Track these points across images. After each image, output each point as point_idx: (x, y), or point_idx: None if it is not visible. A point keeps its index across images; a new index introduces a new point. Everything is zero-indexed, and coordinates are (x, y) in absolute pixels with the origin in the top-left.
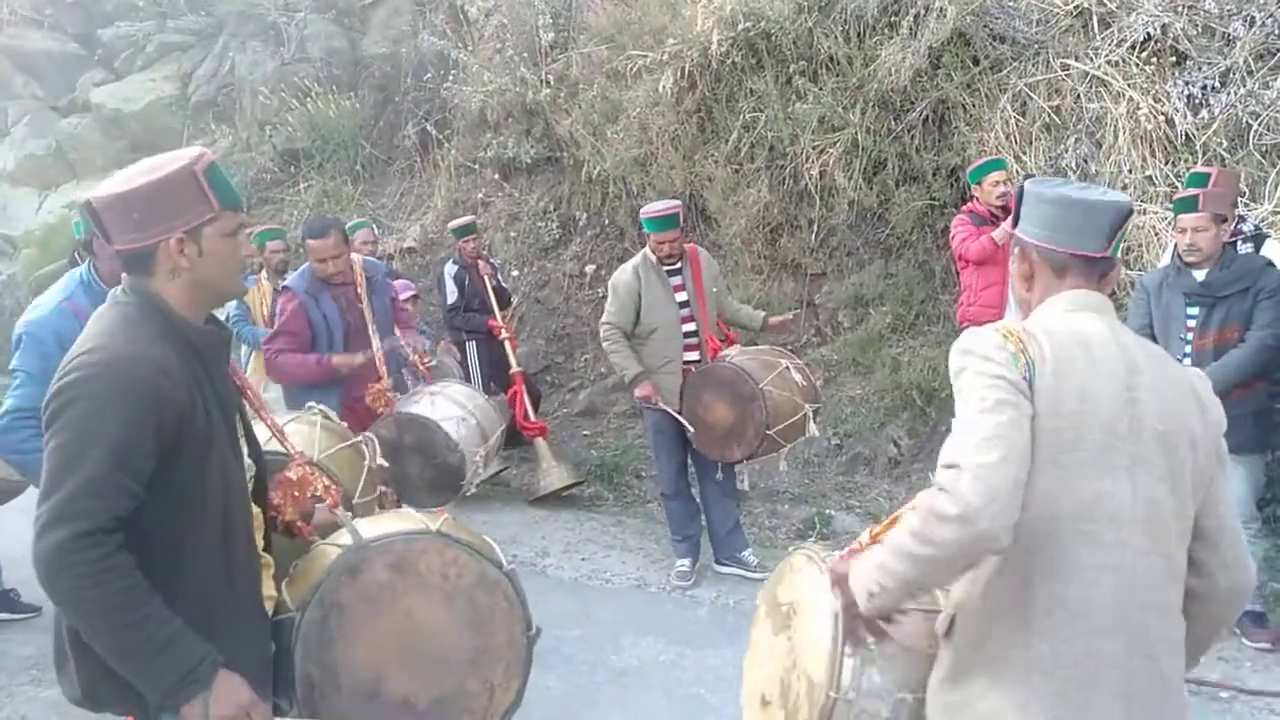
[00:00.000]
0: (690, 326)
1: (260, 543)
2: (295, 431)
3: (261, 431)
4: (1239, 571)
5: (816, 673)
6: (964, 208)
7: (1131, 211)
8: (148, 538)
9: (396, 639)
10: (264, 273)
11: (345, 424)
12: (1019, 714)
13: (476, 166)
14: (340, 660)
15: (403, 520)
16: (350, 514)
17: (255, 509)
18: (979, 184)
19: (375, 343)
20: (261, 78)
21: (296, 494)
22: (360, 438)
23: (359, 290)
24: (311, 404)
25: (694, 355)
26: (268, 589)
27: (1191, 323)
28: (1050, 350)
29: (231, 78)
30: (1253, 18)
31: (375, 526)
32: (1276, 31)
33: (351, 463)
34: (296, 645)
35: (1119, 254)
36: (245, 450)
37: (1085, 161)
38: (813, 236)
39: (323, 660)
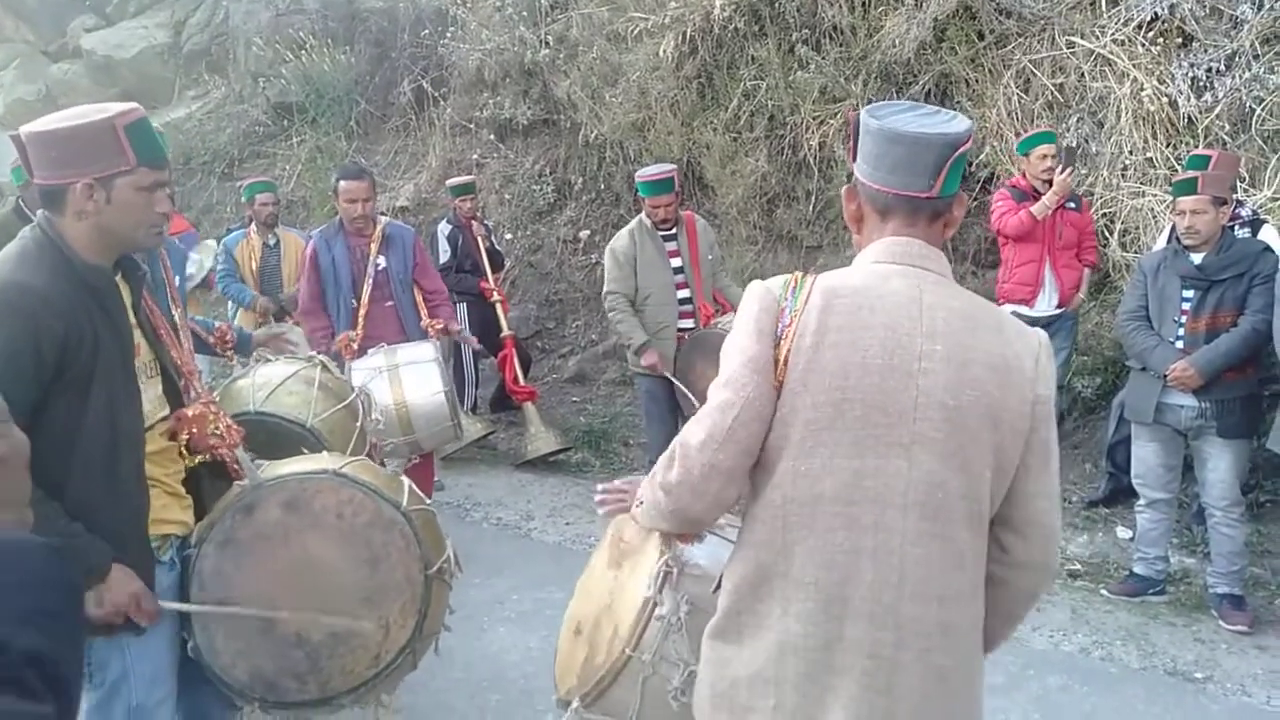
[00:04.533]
0: (685, 293)
1: (172, 481)
2: (293, 392)
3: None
4: (1042, 574)
5: (623, 624)
6: (1008, 182)
7: (964, 143)
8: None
9: (290, 575)
10: (253, 226)
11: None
12: (769, 688)
13: (472, 126)
14: (234, 595)
15: (308, 461)
16: (252, 455)
17: (164, 444)
18: (1026, 156)
19: (365, 296)
20: (256, 28)
21: (195, 430)
22: (354, 395)
23: (372, 245)
24: (314, 353)
25: (689, 323)
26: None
27: (1186, 305)
28: (819, 316)
29: (225, 27)
30: (1261, 1)
31: (277, 467)
32: None
33: (345, 425)
34: (192, 580)
35: (955, 192)
36: (160, 388)
37: (1087, 141)
38: (810, 208)
39: (217, 595)
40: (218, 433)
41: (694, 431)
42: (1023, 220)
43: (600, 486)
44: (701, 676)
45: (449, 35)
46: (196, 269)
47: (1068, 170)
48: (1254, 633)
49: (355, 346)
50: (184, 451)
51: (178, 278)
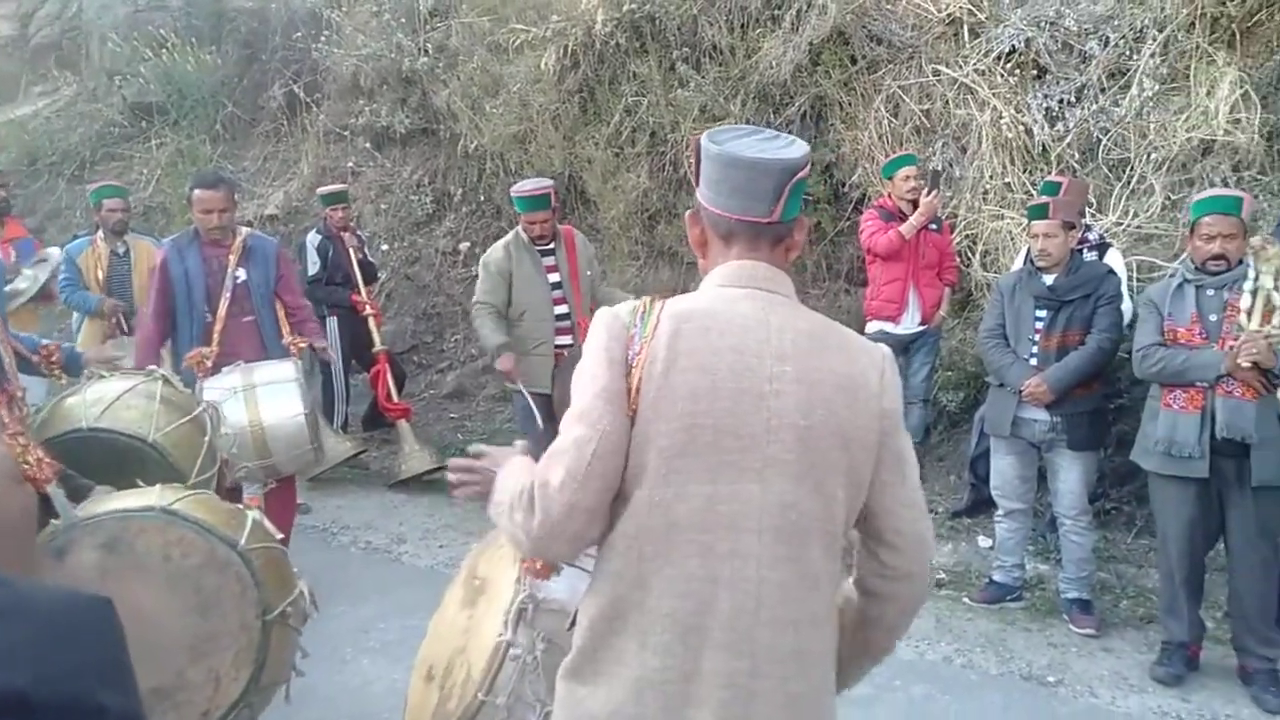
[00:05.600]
0: (563, 309)
1: None
2: (131, 406)
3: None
4: (920, 584)
5: (476, 667)
6: (875, 202)
7: (802, 168)
8: None
9: None
10: (100, 233)
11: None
12: None
13: (347, 134)
14: None
15: (134, 497)
16: (63, 490)
17: None
18: (890, 179)
19: (221, 310)
20: (111, 23)
21: None
22: (201, 409)
23: (231, 256)
24: (153, 367)
25: (567, 339)
26: None
27: (1039, 324)
28: (668, 342)
29: (78, 21)
30: (1107, 38)
31: (98, 504)
32: (1127, 52)
33: (191, 439)
34: None
35: (796, 216)
36: None
37: (951, 165)
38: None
39: None
40: (27, 466)
41: (552, 470)
42: (891, 239)
43: (452, 462)
44: (556, 718)
45: (323, 39)
46: (30, 283)
47: (933, 193)
48: (1101, 636)
49: (209, 363)
50: None
51: None
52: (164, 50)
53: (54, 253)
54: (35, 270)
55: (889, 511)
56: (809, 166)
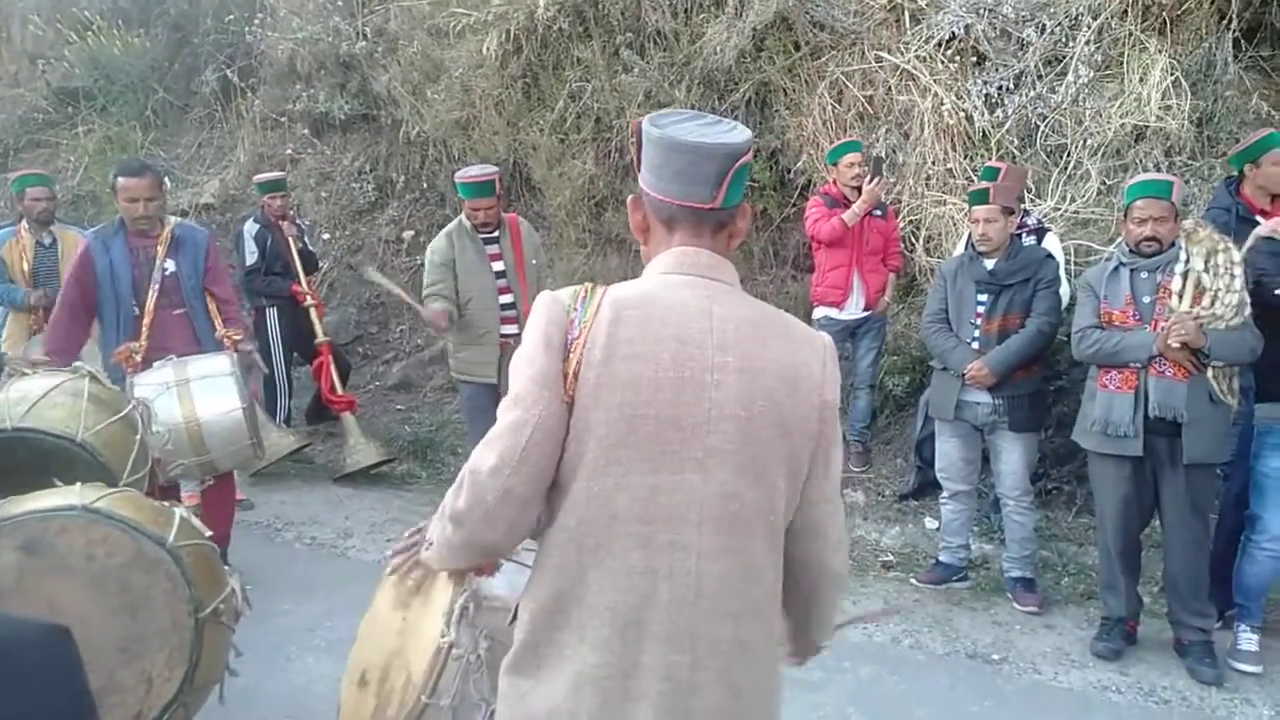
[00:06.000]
0: (508, 298)
1: None
2: (57, 404)
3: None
4: (835, 579)
5: (417, 669)
6: (820, 189)
7: (744, 154)
8: None
9: None
10: (24, 223)
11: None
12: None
13: (285, 120)
14: None
15: (55, 496)
16: None
17: None
18: (835, 165)
19: (150, 303)
20: (33, 4)
21: None
22: (131, 406)
23: (160, 247)
24: (79, 364)
25: (512, 329)
26: None
27: (981, 308)
28: (608, 328)
29: None
30: (1044, 25)
31: (15, 504)
32: (1063, 39)
33: (122, 438)
34: None
35: (738, 203)
36: None
37: (894, 151)
38: None
39: None
40: None
41: (484, 456)
42: (835, 226)
43: (388, 553)
44: (499, 714)
45: (257, 22)
46: None
47: (876, 179)
48: (1044, 613)
49: (139, 359)
50: None
51: None
52: (89, 33)
53: None
54: None
55: (813, 504)
56: (751, 152)
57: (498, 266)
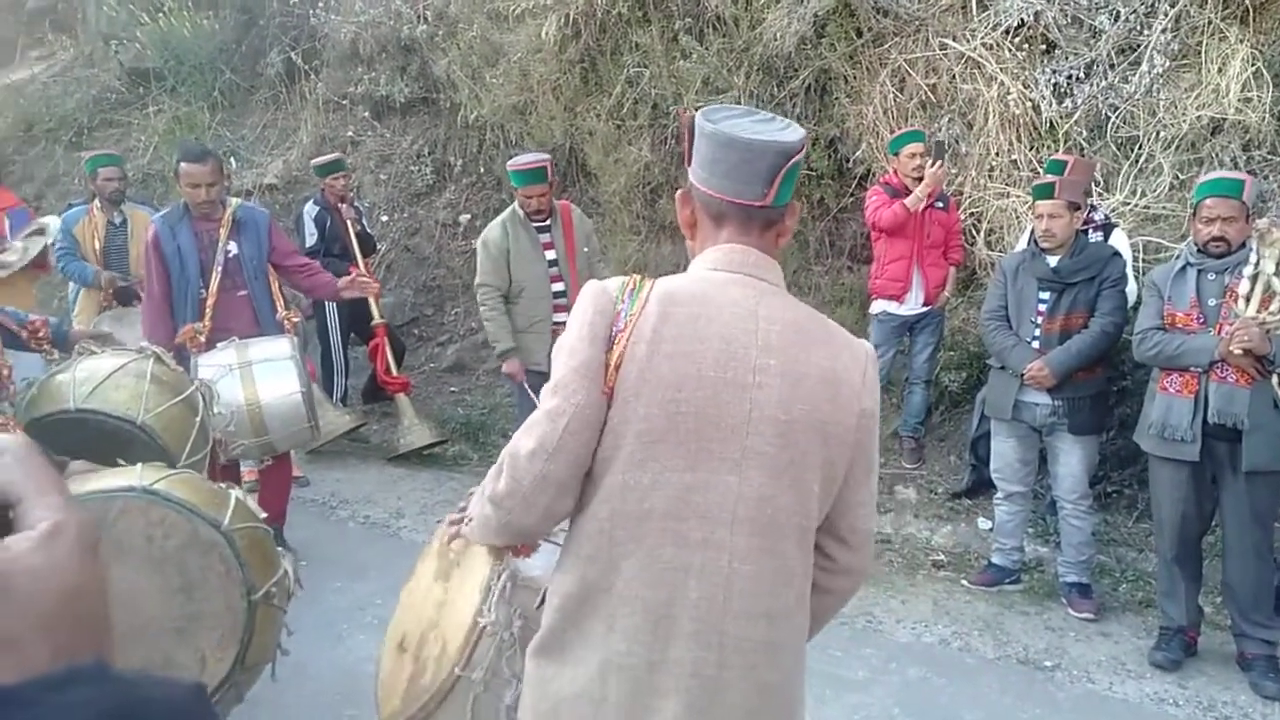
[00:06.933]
0: (559, 286)
1: None
2: (121, 386)
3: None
4: (859, 578)
5: (453, 642)
6: (881, 179)
7: (797, 152)
8: None
9: None
10: (96, 202)
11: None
12: (592, 708)
13: (346, 103)
14: None
15: (115, 477)
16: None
17: None
18: (896, 155)
19: (214, 285)
20: None
21: None
22: (194, 388)
23: (222, 230)
24: (144, 344)
25: (564, 316)
26: None
27: (1042, 307)
28: (655, 324)
29: None
30: (1118, 12)
31: (78, 484)
32: (1138, 27)
33: (182, 420)
34: None
35: (788, 202)
36: None
37: (957, 141)
38: None
39: None
40: None
41: (523, 441)
42: (897, 212)
43: (439, 523)
44: (524, 696)
45: (321, 5)
46: (18, 255)
47: (939, 163)
48: (1100, 620)
49: (202, 339)
50: None
51: None
52: (161, 15)
53: (51, 222)
54: (25, 242)
55: (850, 509)
56: (804, 151)
57: (550, 255)
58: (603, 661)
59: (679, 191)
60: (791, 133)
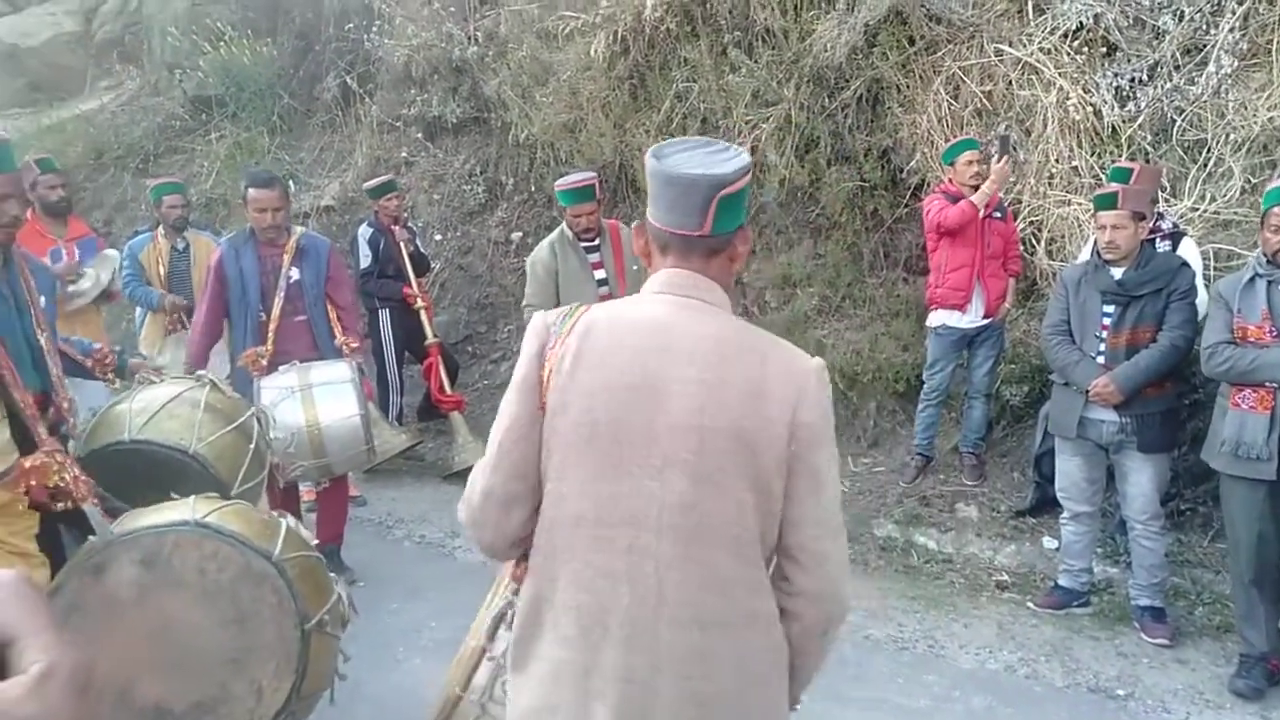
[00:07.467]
0: None
1: (18, 540)
2: (175, 415)
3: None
4: (826, 605)
5: (461, 664)
6: (938, 188)
7: (731, 183)
8: None
9: (147, 641)
10: (160, 229)
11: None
12: (545, 717)
13: (400, 124)
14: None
15: (169, 510)
16: (100, 507)
17: (6, 499)
18: (952, 164)
19: (275, 310)
20: (171, 17)
21: (33, 483)
22: (249, 414)
23: (285, 255)
24: (202, 373)
25: None
26: None
27: (1107, 321)
28: (579, 339)
29: (139, 15)
30: (1182, 12)
31: (134, 519)
32: (1204, 27)
33: (235, 448)
34: None
35: (732, 229)
36: (7, 433)
37: (1014, 149)
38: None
39: None
40: (62, 485)
41: (480, 461)
42: (964, 209)
43: None
44: (507, 710)
45: (375, 30)
46: (92, 283)
47: (1004, 157)
48: (1175, 646)
49: (264, 363)
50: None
51: (43, 299)
52: (222, 43)
53: (112, 254)
54: (98, 270)
55: (796, 526)
56: (743, 180)
57: (599, 275)
58: (550, 671)
59: (635, 224)
60: (728, 164)
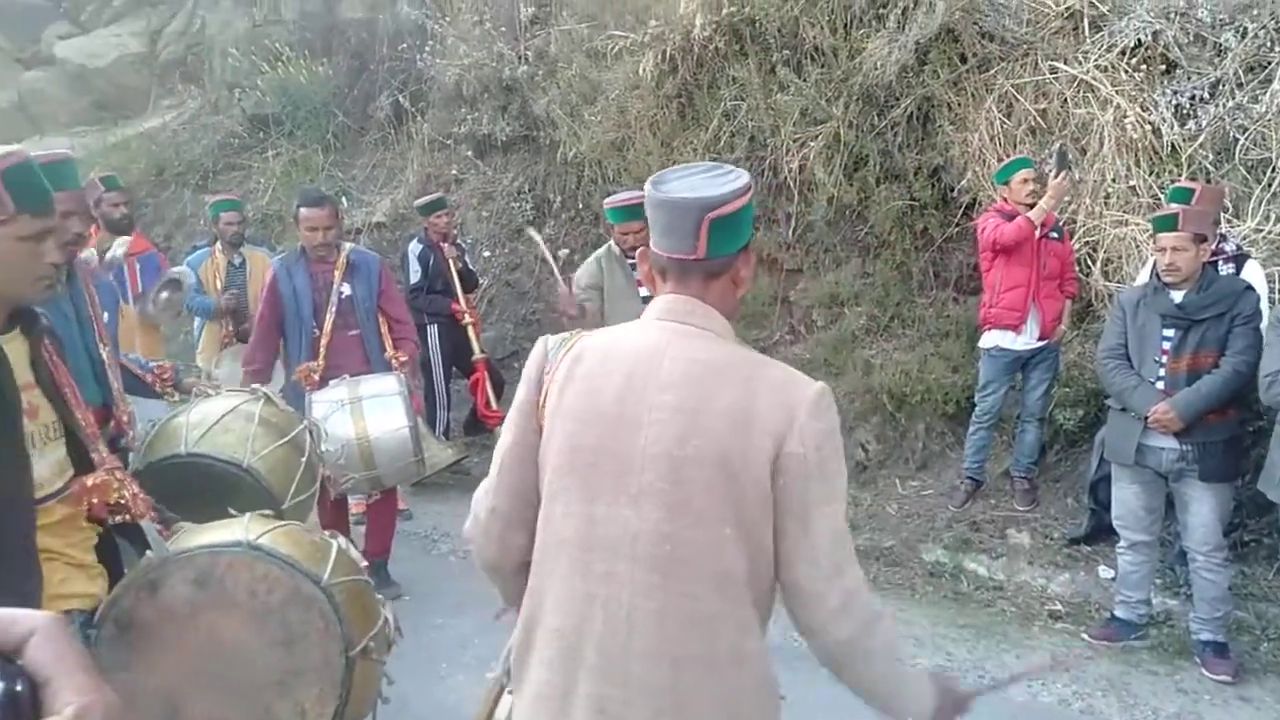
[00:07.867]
0: None
1: (76, 552)
2: (230, 429)
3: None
4: (828, 640)
5: (489, 695)
6: (993, 207)
7: (720, 205)
8: None
9: (197, 659)
10: (218, 245)
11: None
12: None
13: (450, 142)
14: (135, 682)
15: (219, 530)
16: (159, 524)
17: (64, 514)
18: (1006, 184)
19: (327, 325)
20: (232, 38)
21: (95, 501)
22: (301, 427)
23: (336, 272)
24: (257, 386)
25: None
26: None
27: (1167, 345)
28: (569, 365)
29: (201, 37)
30: (1245, 29)
31: (189, 537)
32: (1268, 44)
33: (288, 461)
34: None
35: (730, 252)
36: (63, 451)
37: (1070, 168)
38: (790, 231)
39: (116, 681)
40: (121, 502)
41: (486, 479)
42: (1020, 226)
43: None
44: None
45: (427, 49)
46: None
47: (1063, 173)
48: (1237, 682)
49: (316, 377)
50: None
51: (106, 314)
52: (280, 64)
53: (185, 275)
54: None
55: (788, 564)
56: (737, 202)
57: (644, 292)
58: (535, 694)
59: (640, 250)
60: (721, 187)
